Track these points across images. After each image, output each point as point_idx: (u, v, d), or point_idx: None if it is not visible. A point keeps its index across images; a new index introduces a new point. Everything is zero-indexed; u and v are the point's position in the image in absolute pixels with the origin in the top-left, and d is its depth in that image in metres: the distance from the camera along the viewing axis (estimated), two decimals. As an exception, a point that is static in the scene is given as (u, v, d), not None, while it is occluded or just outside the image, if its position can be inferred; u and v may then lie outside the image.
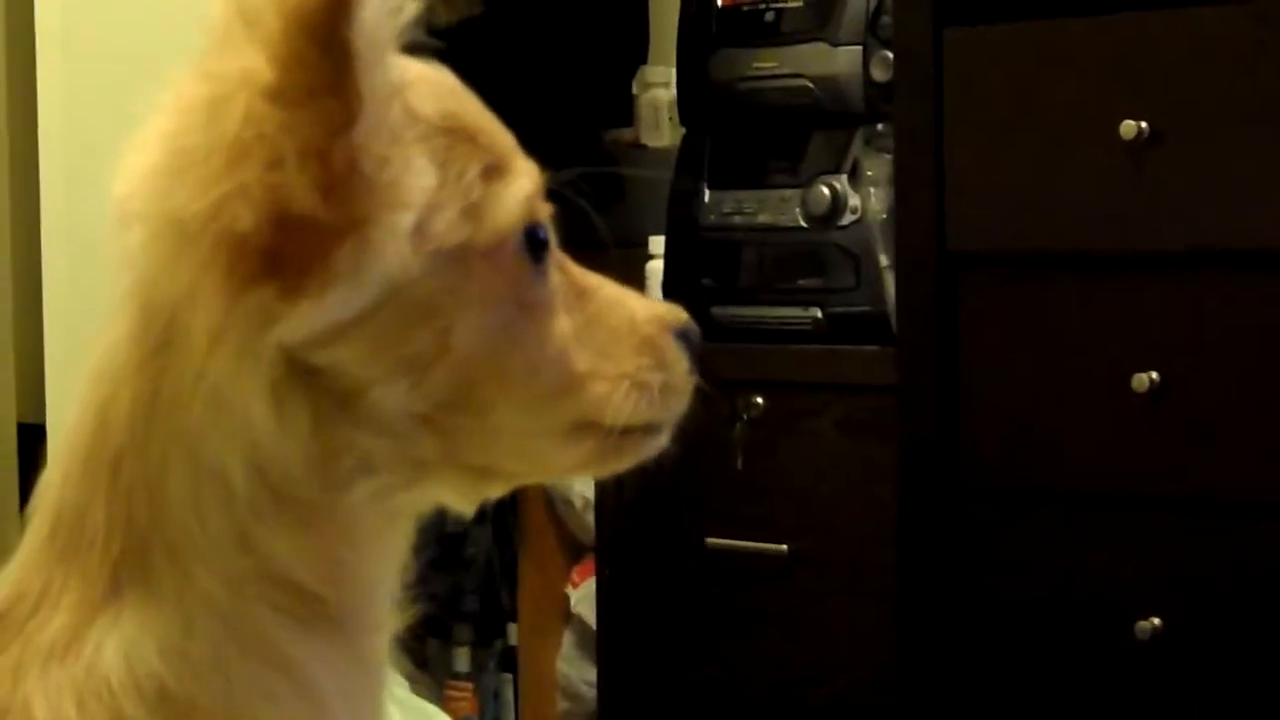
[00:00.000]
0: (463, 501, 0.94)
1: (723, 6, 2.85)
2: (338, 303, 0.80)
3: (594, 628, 2.86)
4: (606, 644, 2.89)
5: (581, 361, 0.91)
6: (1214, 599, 2.28)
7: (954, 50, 2.46)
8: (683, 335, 0.97)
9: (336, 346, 0.82)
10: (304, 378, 0.82)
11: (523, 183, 0.89)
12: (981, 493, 2.49)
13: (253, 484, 0.82)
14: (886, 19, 2.67)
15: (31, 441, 3.73)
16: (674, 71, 2.99)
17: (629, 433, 0.94)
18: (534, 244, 0.89)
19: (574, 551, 2.84)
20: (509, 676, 2.89)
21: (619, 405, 0.92)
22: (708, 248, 2.83)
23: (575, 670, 2.80)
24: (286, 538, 0.84)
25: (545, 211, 0.91)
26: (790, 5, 2.79)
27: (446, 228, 0.85)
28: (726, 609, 2.77)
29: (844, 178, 2.72)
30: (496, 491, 0.96)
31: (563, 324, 0.91)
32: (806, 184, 2.75)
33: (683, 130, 2.96)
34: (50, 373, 3.49)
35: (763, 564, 2.70)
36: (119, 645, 0.81)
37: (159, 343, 0.83)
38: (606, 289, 0.96)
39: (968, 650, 2.48)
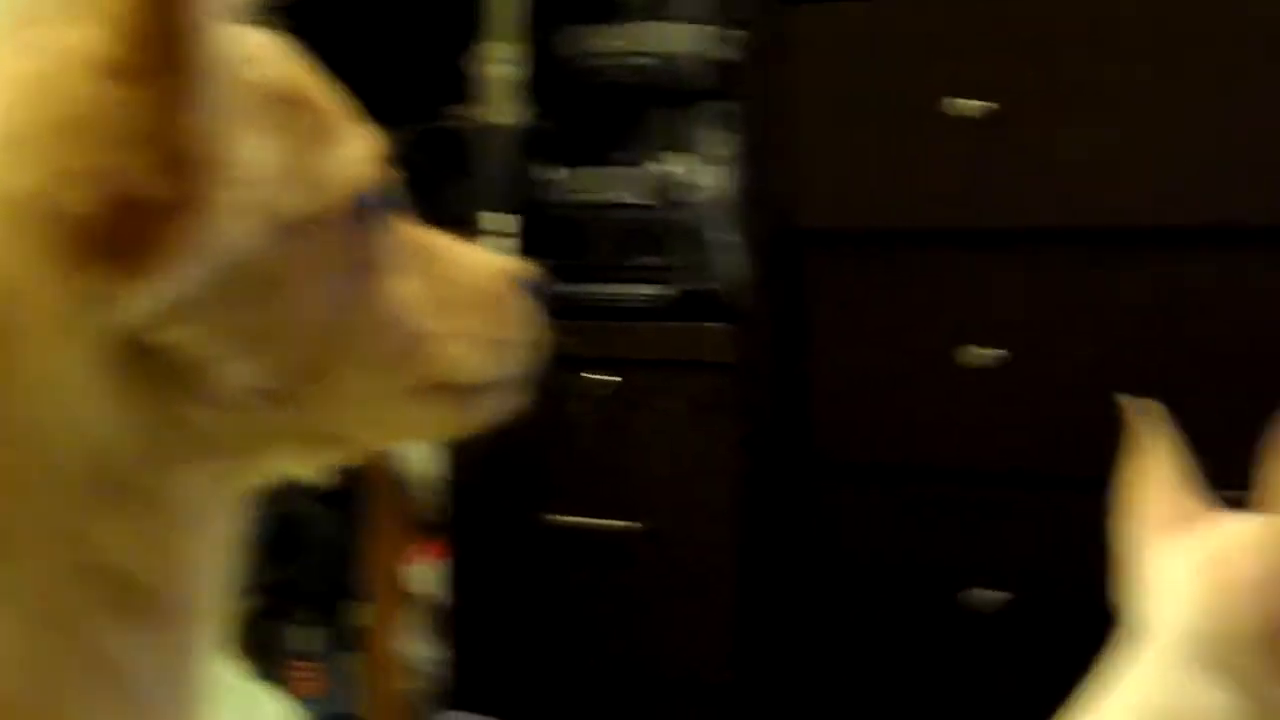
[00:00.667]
0: (311, 471, 0.92)
1: (560, -15, 2.84)
2: (177, 281, 0.76)
3: (438, 605, 2.84)
4: (455, 621, 2.85)
5: (428, 322, 0.90)
6: (1053, 570, 2.34)
7: (801, 28, 2.50)
8: (531, 288, 0.96)
9: (178, 326, 0.78)
10: (142, 359, 0.78)
11: (358, 146, 0.87)
12: (825, 468, 2.53)
13: (88, 473, 0.78)
14: None
15: None
16: (514, 48, 2.98)
17: (480, 391, 0.93)
18: (373, 208, 0.87)
19: (418, 531, 2.85)
20: (356, 655, 2.88)
21: (467, 363, 0.91)
22: (553, 225, 2.82)
23: (420, 648, 2.81)
24: (118, 527, 0.79)
25: (385, 174, 0.88)
26: None
27: (284, 199, 0.82)
28: (572, 585, 2.80)
29: (686, 156, 2.79)
30: (346, 460, 0.94)
31: (407, 286, 0.89)
32: (646, 160, 2.83)
33: (524, 107, 2.98)
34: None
35: (609, 540, 2.73)
36: None
37: None
38: (450, 248, 0.94)
39: (810, 622, 2.52)
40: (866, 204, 2.49)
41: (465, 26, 3.18)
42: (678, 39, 2.77)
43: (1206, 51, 2.32)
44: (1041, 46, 2.40)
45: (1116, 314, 2.36)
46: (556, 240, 2.81)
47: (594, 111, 2.89)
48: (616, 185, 2.81)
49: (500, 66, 3.02)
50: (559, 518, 2.78)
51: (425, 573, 2.77)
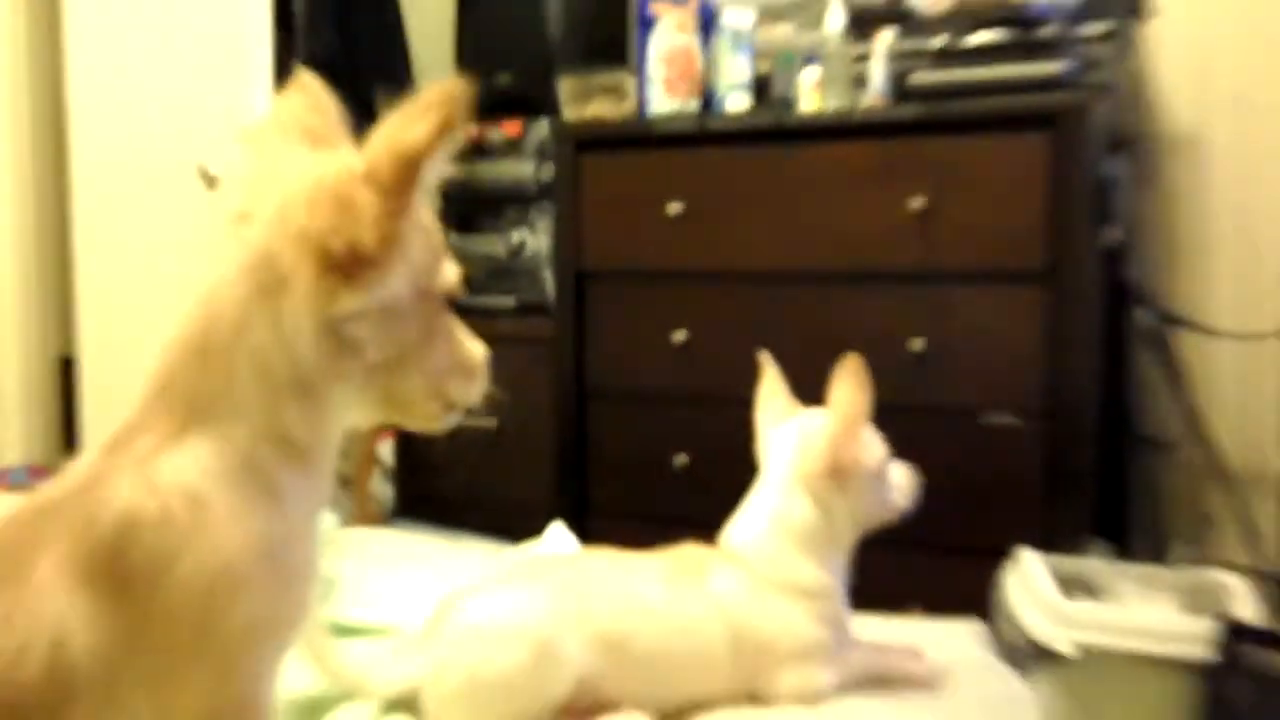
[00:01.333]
0: (377, 420, 0.91)
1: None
2: (365, 298, 0.80)
3: (390, 466, 2.84)
4: (400, 476, 2.85)
5: (448, 363, 0.91)
6: (720, 444, 2.31)
7: (585, 165, 2.49)
8: (488, 363, 0.97)
9: (358, 321, 0.81)
10: (333, 331, 0.81)
11: (452, 269, 0.89)
12: (596, 395, 2.52)
13: (291, 379, 0.81)
14: (549, 146, 2.69)
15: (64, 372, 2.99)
16: None
17: (456, 409, 0.94)
18: (450, 302, 0.90)
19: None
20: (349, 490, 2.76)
21: (457, 394, 0.92)
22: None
23: (383, 488, 2.78)
24: (298, 412, 0.81)
25: (460, 288, 0.91)
26: (495, 138, 2.78)
27: (421, 278, 0.85)
28: (464, 458, 2.76)
29: (525, 230, 2.77)
30: (380, 419, 0.92)
31: (446, 344, 0.91)
32: (505, 232, 2.79)
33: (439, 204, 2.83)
34: (82, 309, 2.81)
35: (483, 433, 2.70)
36: (175, 463, 0.78)
37: (265, 289, 0.80)
38: (465, 334, 0.94)
39: (593, 473, 2.53)
40: (619, 256, 2.48)
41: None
42: (521, 169, 2.76)
43: (787, 180, 2.29)
44: (717, 167, 2.35)
45: (750, 315, 2.36)
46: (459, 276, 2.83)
47: (478, 205, 2.83)
48: (488, 245, 2.80)
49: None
50: (467, 422, 2.72)
51: (386, 448, 2.82)
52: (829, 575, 1.23)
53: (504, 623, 1.10)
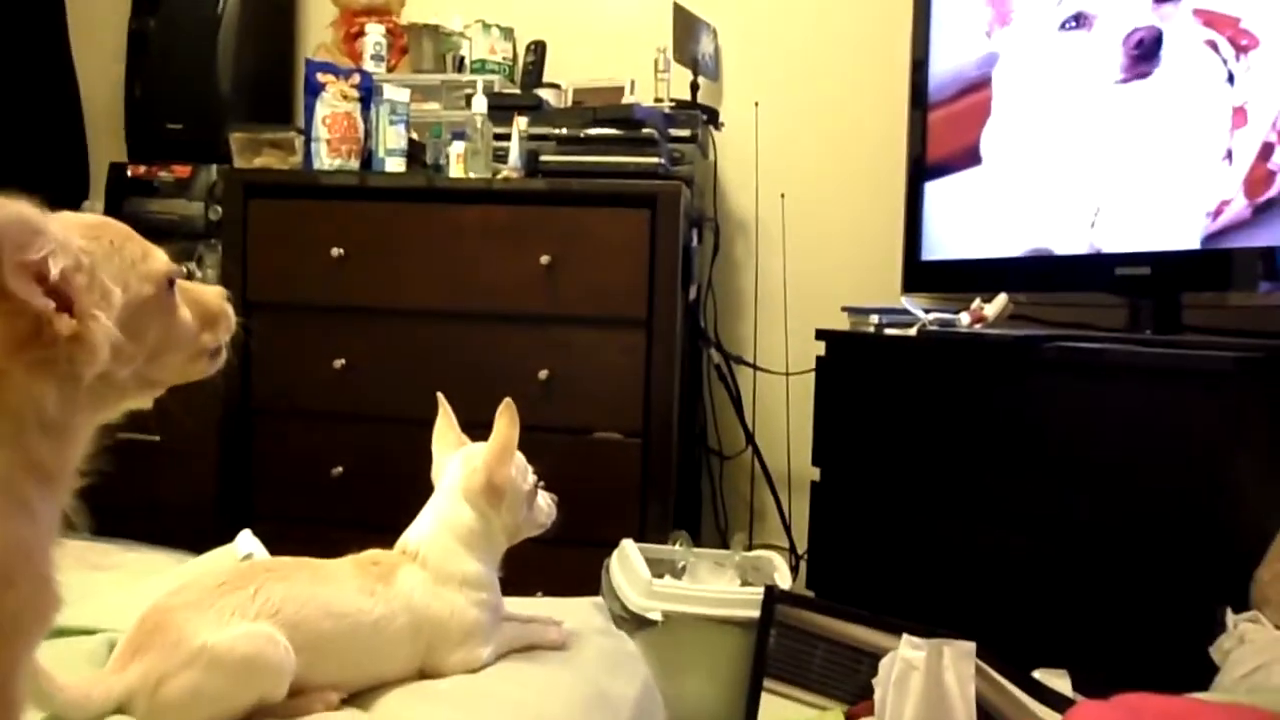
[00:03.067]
0: (145, 402, 0.90)
1: (131, 176, 2.71)
2: (95, 355, 0.79)
3: None
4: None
5: (195, 325, 0.91)
6: (371, 456, 2.33)
7: (254, 209, 2.44)
8: (229, 301, 0.97)
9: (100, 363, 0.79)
10: (68, 374, 0.79)
11: (159, 255, 0.87)
12: (261, 412, 2.45)
13: (38, 423, 0.79)
14: (219, 189, 2.60)
15: None
16: (101, 205, 2.74)
17: (215, 352, 0.94)
18: (170, 282, 0.88)
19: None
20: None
21: (216, 338, 0.93)
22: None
23: None
24: (47, 445, 0.80)
25: (172, 267, 0.89)
26: (166, 178, 2.68)
27: (130, 297, 0.82)
28: (122, 470, 2.48)
29: (192, 263, 2.65)
30: (158, 394, 0.91)
31: (186, 313, 0.90)
32: (179, 264, 2.69)
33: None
34: None
35: (147, 445, 2.41)
36: None
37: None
38: (196, 289, 0.93)
39: (255, 484, 2.44)
40: (284, 290, 2.41)
41: (74, 189, 3.02)
42: (190, 208, 2.66)
43: (437, 234, 2.29)
44: (378, 216, 2.34)
45: (402, 347, 2.34)
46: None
47: (147, 238, 2.71)
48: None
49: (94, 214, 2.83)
50: (129, 435, 2.51)
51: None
52: (489, 570, 1.27)
53: (227, 649, 1.06)
